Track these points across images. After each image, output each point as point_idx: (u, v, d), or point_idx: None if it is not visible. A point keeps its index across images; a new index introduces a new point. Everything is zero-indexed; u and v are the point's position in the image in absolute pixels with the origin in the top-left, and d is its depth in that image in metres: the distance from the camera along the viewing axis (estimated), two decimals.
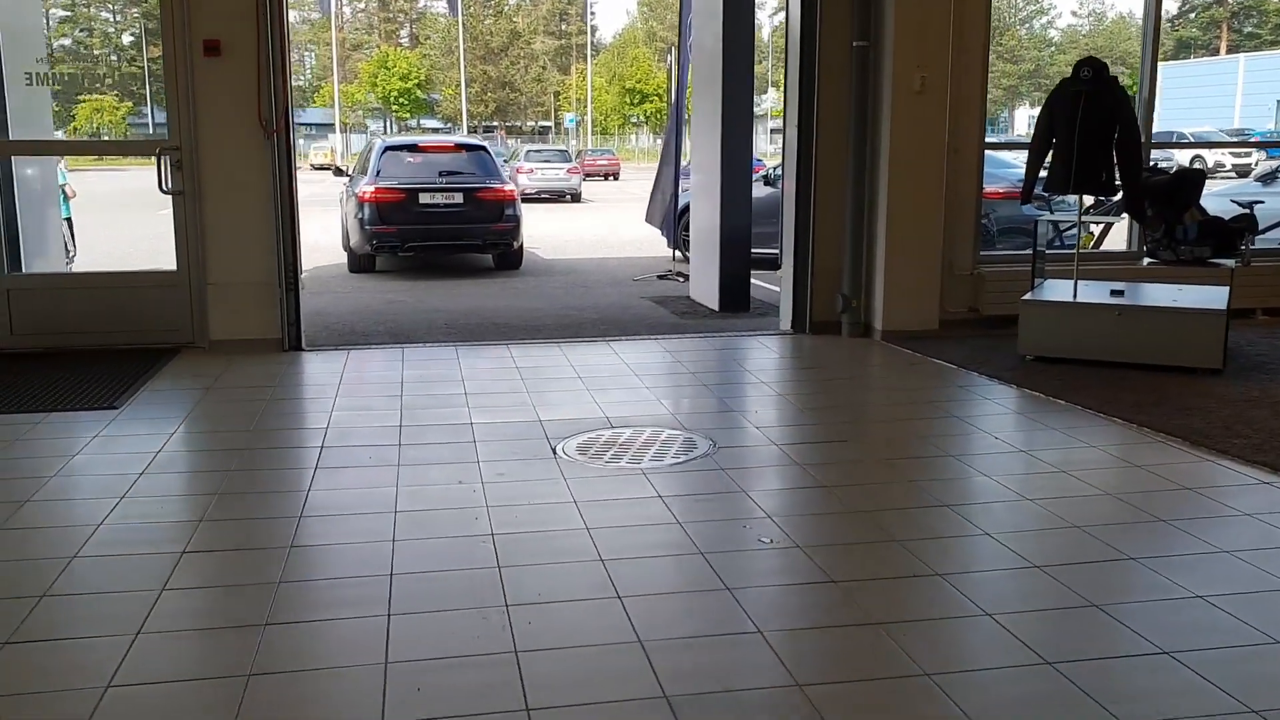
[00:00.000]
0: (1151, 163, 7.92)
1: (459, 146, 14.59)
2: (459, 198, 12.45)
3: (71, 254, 10.74)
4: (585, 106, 69.62)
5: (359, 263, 12.61)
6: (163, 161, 6.89)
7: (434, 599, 3.31)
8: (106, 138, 37.10)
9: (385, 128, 68.70)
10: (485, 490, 4.32)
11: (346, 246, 13.09)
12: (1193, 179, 7.25)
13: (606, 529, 3.90)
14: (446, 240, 12.54)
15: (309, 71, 78.44)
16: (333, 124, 65.50)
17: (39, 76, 7.18)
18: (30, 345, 6.94)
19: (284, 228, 6.99)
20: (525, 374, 6.49)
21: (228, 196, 6.92)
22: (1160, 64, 8.10)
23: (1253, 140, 27.98)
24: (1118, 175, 6.44)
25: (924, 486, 4.39)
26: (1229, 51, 47.56)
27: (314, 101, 75.06)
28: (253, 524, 4.01)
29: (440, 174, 12.70)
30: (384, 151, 13.23)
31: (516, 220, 12.71)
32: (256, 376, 6.39)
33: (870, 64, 7.30)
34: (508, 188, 12.88)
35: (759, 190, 10.98)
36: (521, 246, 13.13)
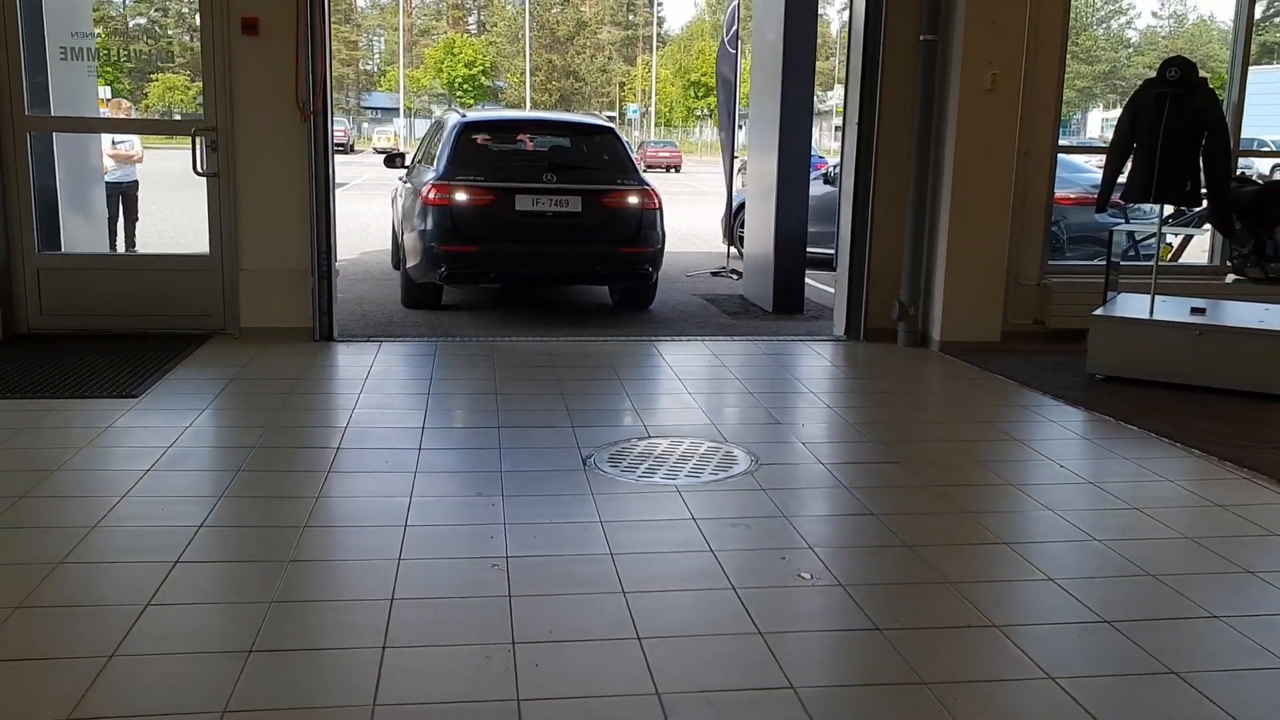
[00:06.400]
0: (1238, 171, 7.40)
1: (576, 128, 10.14)
2: (575, 204, 8.24)
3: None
4: (649, 98, 69.21)
5: (417, 295, 8.60)
6: (198, 142, 6.69)
7: (434, 631, 3.02)
8: (178, 117, 37.43)
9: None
10: (505, 505, 4.03)
11: (399, 268, 9.17)
12: None
13: (632, 555, 3.58)
14: (554, 268, 8.56)
15: (378, 56, 78.97)
16: (397, 109, 65.93)
17: (74, 51, 7.00)
18: (59, 327, 6.78)
19: (319, 215, 6.75)
20: (560, 373, 6.19)
21: (262, 180, 6.70)
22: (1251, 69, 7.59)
23: None
24: (1203, 185, 5.98)
25: (981, 520, 4.02)
26: None
27: (380, 86, 75.54)
28: (254, 533, 3.74)
29: (548, 168, 8.51)
30: (461, 133, 8.71)
31: (660, 241, 8.58)
32: (282, 368, 6.15)
33: (938, 59, 6.88)
34: (648, 191, 8.54)
35: (818, 189, 10.61)
36: (657, 280, 8.99)
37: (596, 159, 8.99)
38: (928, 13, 6.82)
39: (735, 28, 11.72)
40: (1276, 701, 2.74)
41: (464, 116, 9.09)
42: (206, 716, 2.53)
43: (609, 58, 74.86)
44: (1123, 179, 6.27)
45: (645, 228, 8.42)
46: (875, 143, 7.11)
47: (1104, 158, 6.50)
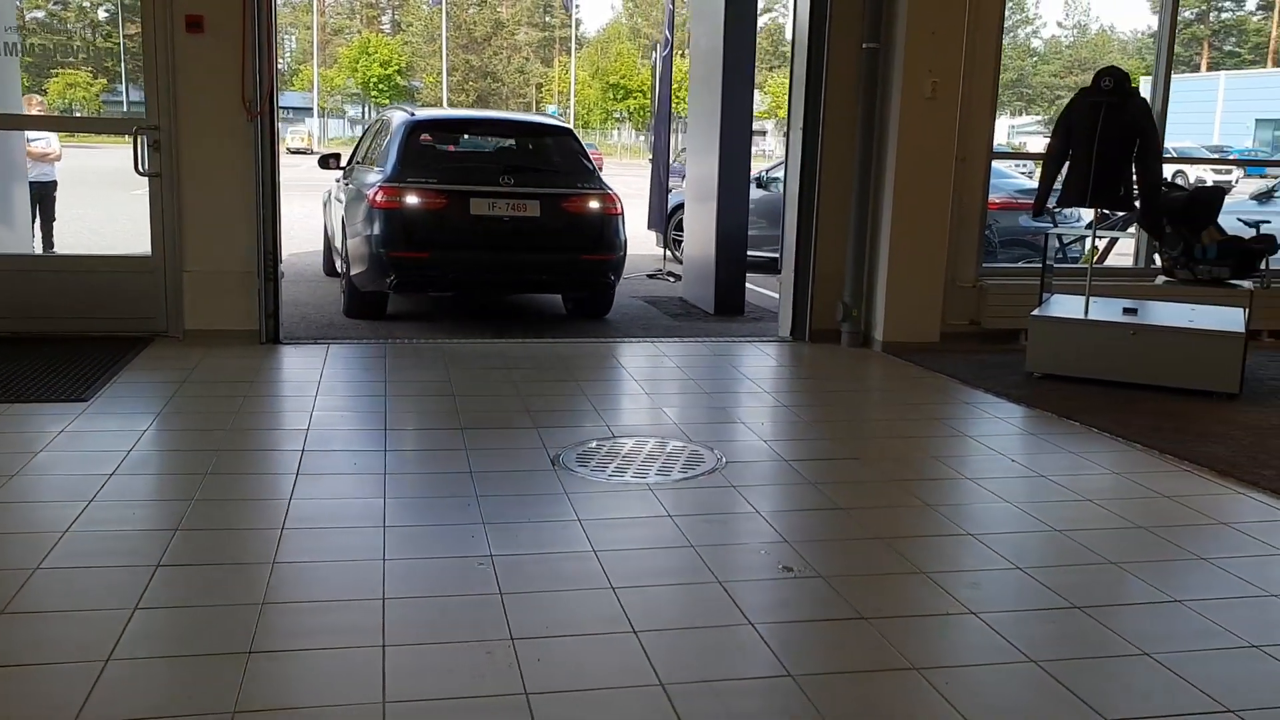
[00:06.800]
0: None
1: (533, 128, 9.61)
2: (534, 208, 7.91)
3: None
4: (567, 100, 69.17)
5: (362, 304, 8.15)
6: (139, 141, 6.56)
7: (431, 629, 3.04)
8: (79, 114, 36.41)
9: (363, 113, 68.07)
10: (480, 505, 4.05)
11: (339, 274, 8.73)
12: (1210, 197, 7.06)
13: (614, 551, 3.64)
14: (512, 276, 8.08)
15: (289, 55, 77.56)
16: (310, 108, 64.93)
17: (8, 47, 6.82)
18: None
19: (265, 216, 6.67)
20: (515, 375, 6.21)
21: (207, 181, 6.60)
22: (1146, 79, 7.92)
23: (1231, 157, 28.19)
24: (1135, 190, 6.24)
25: (944, 512, 4.16)
26: (1209, 69, 47.81)
27: (292, 85, 74.25)
28: (233, 535, 3.71)
29: (505, 171, 8.12)
30: (410, 132, 8.30)
31: (622, 247, 8.28)
32: (233, 370, 6.07)
33: (880, 67, 7.06)
34: (609, 195, 8.27)
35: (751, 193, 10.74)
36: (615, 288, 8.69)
37: (555, 161, 8.59)
38: (870, 21, 6.99)
39: (671, 39, 11.85)
40: (1244, 678, 2.90)
41: (413, 115, 8.64)
42: (216, 718, 2.53)
43: (526, 59, 74.63)
44: (1058, 185, 6.51)
45: (607, 234, 8.12)
46: (819, 148, 7.26)
47: (1038, 165, 6.73)
